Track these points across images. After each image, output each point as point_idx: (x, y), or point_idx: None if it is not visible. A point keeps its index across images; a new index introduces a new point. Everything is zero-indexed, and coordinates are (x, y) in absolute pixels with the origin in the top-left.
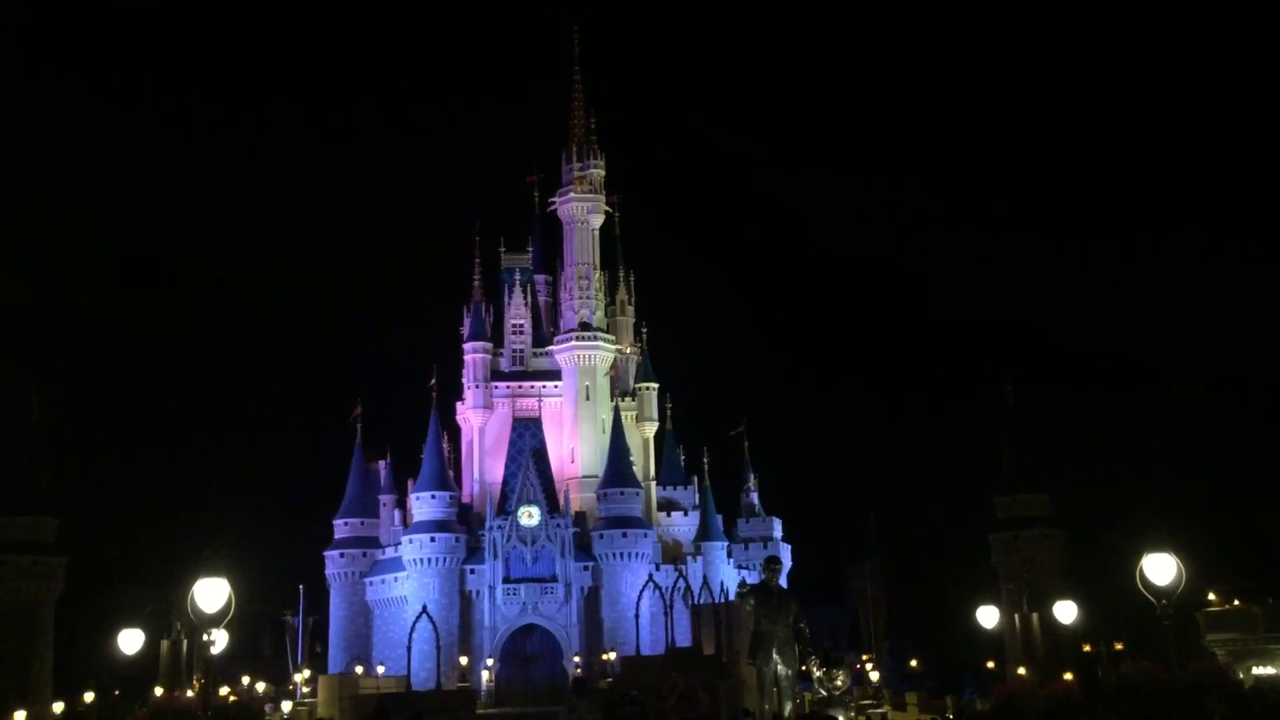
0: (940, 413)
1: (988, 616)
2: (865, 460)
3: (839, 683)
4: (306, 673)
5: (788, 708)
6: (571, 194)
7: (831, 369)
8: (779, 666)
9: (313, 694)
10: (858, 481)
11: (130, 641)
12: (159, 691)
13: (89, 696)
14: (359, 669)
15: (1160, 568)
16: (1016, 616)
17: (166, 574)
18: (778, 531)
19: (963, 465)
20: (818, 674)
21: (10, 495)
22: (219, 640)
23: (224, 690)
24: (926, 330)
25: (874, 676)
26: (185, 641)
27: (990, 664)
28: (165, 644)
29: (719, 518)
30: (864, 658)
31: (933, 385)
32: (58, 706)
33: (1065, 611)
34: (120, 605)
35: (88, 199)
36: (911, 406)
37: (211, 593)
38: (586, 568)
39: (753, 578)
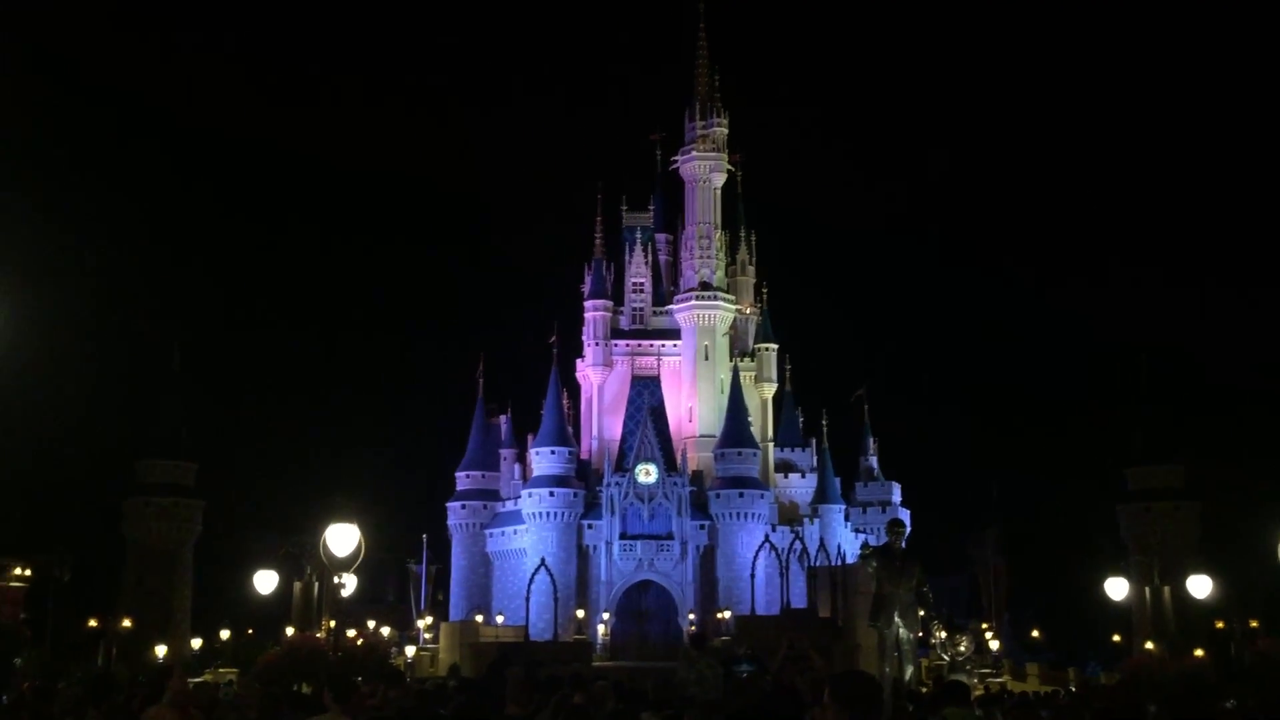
0: (1068, 385)
1: (1116, 589)
2: (989, 428)
3: (962, 649)
4: (429, 619)
5: (909, 672)
6: (694, 152)
7: (956, 334)
8: (900, 630)
9: (434, 640)
10: (981, 449)
11: (265, 582)
12: (290, 631)
13: (225, 634)
14: (479, 617)
15: None
16: (1146, 589)
17: (298, 519)
18: (896, 496)
19: (1088, 436)
20: (938, 639)
21: (152, 440)
22: (348, 584)
23: (351, 632)
24: (1057, 305)
25: (993, 646)
26: (316, 584)
27: (1116, 637)
28: (298, 585)
29: (837, 481)
30: (983, 626)
31: (1061, 355)
32: (196, 642)
33: (1199, 586)
34: (254, 548)
35: (231, 153)
36: (1039, 375)
37: (342, 537)
38: (703, 526)
39: (874, 541)
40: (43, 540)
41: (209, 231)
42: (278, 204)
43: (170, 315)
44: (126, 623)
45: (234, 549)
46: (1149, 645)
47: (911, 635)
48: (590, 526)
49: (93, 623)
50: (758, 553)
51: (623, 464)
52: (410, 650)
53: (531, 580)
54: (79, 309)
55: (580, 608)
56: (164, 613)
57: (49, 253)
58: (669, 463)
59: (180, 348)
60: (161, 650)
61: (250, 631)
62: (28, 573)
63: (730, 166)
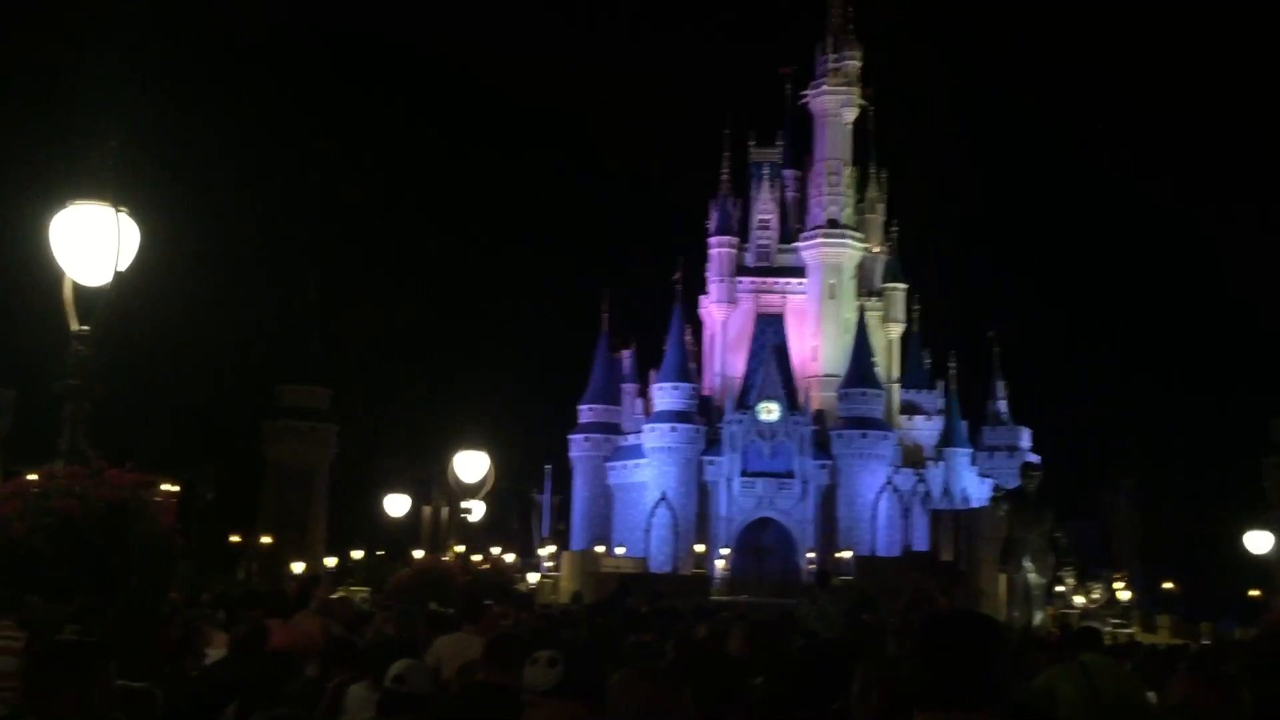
0: (1207, 332)
1: (1258, 542)
2: (1123, 373)
3: (1095, 596)
4: (551, 548)
5: (1038, 617)
6: (825, 86)
7: (1093, 277)
8: (1030, 575)
9: (556, 568)
10: (1115, 395)
11: (396, 506)
12: (420, 553)
13: (357, 554)
14: (599, 548)
15: None
16: None
17: (428, 445)
18: (1025, 441)
19: (1230, 387)
20: (1068, 586)
21: (289, 366)
22: (476, 510)
23: (477, 557)
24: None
25: (1124, 596)
26: (445, 509)
27: (1254, 592)
28: (427, 510)
29: (964, 424)
30: (1115, 576)
31: (1200, 299)
32: (330, 561)
33: None
34: (385, 472)
35: (367, 92)
36: (1175, 321)
37: (471, 464)
38: (824, 466)
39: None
40: (189, 459)
41: (343, 161)
42: (409, 147)
43: (310, 250)
44: (266, 539)
45: (366, 473)
46: None
47: (1042, 581)
48: (711, 463)
49: (234, 539)
50: (879, 494)
51: (745, 401)
52: (533, 577)
53: (652, 514)
54: (228, 242)
55: (700, 542)
56: (300, 531)
57: (203, 187)
58: (791, 401)
59: (317, 279)
60: (298, 567)
61: (381, 552)
62: (175, 489)
63: (862, 101)
